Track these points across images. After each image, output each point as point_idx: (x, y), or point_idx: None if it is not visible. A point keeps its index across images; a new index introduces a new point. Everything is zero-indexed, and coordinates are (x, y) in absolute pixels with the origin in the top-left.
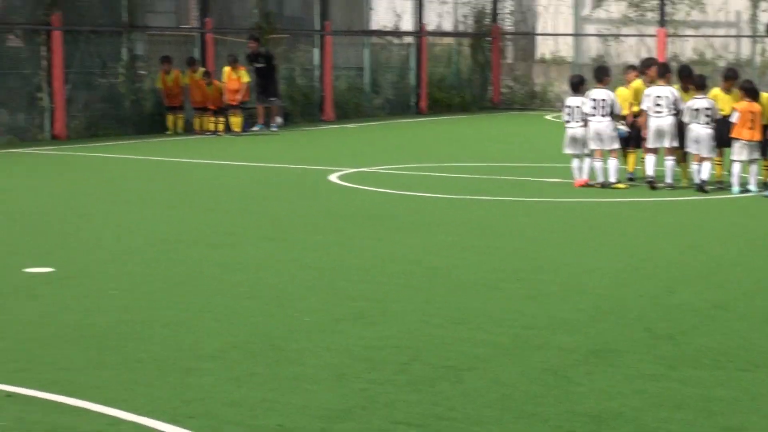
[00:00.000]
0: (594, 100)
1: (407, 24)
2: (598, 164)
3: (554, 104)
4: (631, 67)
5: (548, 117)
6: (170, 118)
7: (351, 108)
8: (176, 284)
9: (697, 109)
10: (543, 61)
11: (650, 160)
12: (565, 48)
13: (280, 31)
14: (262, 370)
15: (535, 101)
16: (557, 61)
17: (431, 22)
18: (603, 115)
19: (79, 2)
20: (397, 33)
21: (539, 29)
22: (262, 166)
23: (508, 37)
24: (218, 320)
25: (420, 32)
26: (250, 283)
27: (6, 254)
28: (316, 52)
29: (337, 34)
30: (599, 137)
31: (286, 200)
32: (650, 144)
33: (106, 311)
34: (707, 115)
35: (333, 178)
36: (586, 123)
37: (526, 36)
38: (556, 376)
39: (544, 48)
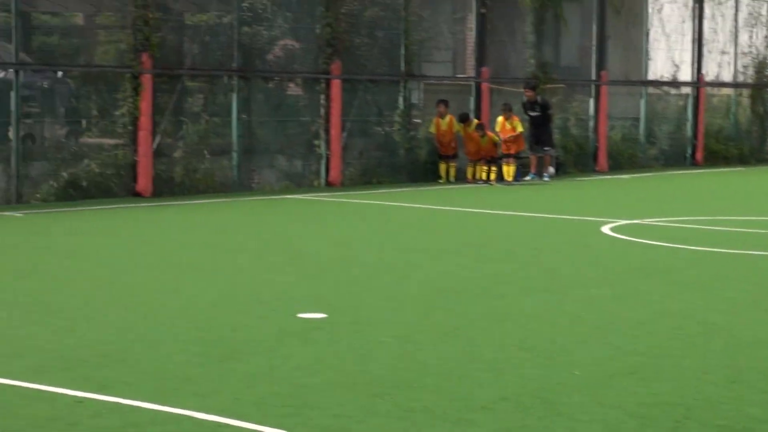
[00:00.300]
0: None
1: (685, 74)
2: None
3: None
4: None
5: None
6: (443, 167)
7: (625, 158)
8: (448, 333)
9: None
10: None
11: None
12: None
13: (556, 80)
14: (533, 424)
15: None
16: None
17: (710, 73)
18: None
19: (359, 51)
20: (674, 83)
21: None
22: (533, 216)
23: None
24: (489, 371)
25: (698, 83)
26: (521, 335)
27: (281, 298)
28: (591, 101)
29: (614, 84)
30: None
31: (559, 251)
32: None
33: (379, 359)
34: None
35: (606, 229)
36: None
37: None
38: None
39: None
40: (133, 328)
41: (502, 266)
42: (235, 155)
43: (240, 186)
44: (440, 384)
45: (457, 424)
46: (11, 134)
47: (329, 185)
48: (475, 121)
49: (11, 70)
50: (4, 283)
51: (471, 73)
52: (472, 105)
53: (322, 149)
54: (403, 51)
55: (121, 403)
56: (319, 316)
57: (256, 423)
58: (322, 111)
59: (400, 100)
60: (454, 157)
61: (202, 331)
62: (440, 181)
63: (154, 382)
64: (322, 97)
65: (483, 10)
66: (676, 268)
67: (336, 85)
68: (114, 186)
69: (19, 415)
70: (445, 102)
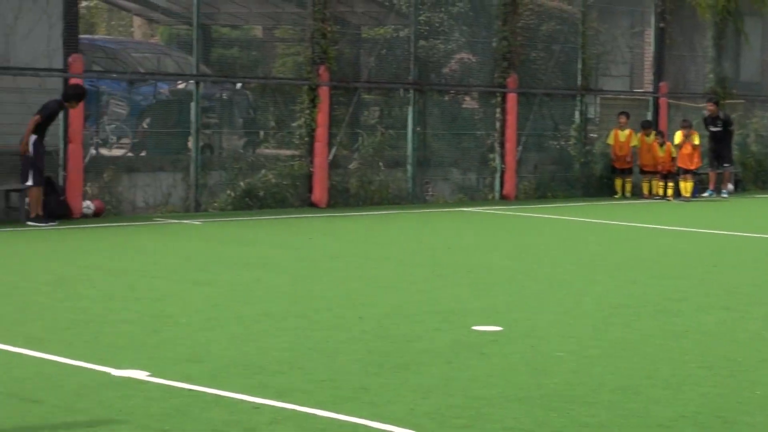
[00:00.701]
0: None
1: None
2: None
3: None
4: None
5: None
6: (618, 182)
7: None
8: (624, 349)
9: None
10: None
11: None
12: None
13: (736, 96)
14: None
15: None
16: None
17: None
18: None
19: (535, 65)
20: None
21: None
22: (711, 233)
23: None
24: (666, 388)
25: None
26: (700, 352)
27: (456, 311)
28: None
29: None
30: None
31: (738, 268)
32: None
33: (554, 373)
34: None
35: None
36: None
37: None
38: None
39: None
40: (309, 336)
41: (678, 282)
42: (409, 167)
43: (414, 198)
44: (616, 400)
45: None
46: (191, 144)
47: (503, 199)
48: (653, 131)
49: (192, 81)
50: (185, 290)
51: (648, 87)
52: (648, 118)
53: (497, 163)
54: (580, 65)
55: (297, 411)
56: (494, 329)
57: None
58: (497, 124)
59: (576, 114)
60: (630, 171)
61: (378, 342)
62: (616, 196)
63: (331, 391)
64: (498, 110)
65: (662, 25)
66: None
67: (512, 99)
68: (290, 196)
69: (197, 420)
70: (626, 114)
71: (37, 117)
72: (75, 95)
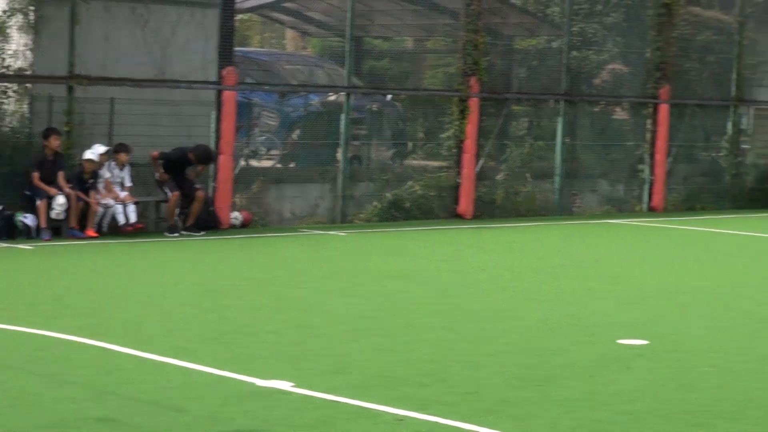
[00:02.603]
0: None
1: None
2: None
3: None
4: None
5: None
6: None
7: None
8: None
9: None
10: None
11: None
12: None
13: None
14: None
15: None
16: None
17: None
18: None
19: (688, 76)
20: None
21: None
22: None
23: None
24: None
25: None
26: None
27: (601, 324)
28: None
29: None
30: None
31: None
32: None
33: (700, 388)
34: None
35: None
36: None
37: None
38: None
39: None
40: (453, 348)
41: None
42: (557, 179)
43: (561, 209)
44: (763, 416)
45: None
46: (339, 155)
47: (651, 210)
48: None
49: (342, 93)
50: (330, 300)
51: None
52: None
53: (646, 174)
54: (734, 75)
55: (440, 423)
56: (639, 342)
57: None
58: (648, 135)
59: (729, 125)
60: None
61: (522, 355)
62: None
63: (473, 403)
64: (649, 121)
65: None
66: None
67: (663, 110)
68: (436, 207)
69: (341, 431)
70: None
71: (157, 153)
72: (206, 159)
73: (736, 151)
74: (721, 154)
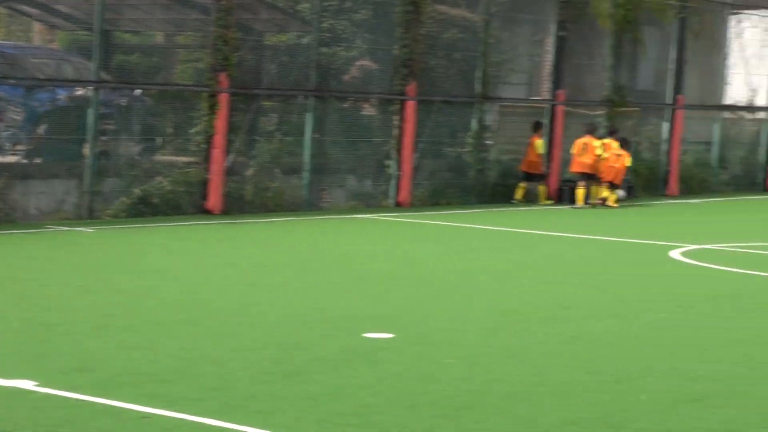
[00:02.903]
0: None
1: (762, 99)
2: None
3: None
4: None
5: None
6: (542, 189)
7: (696, 183)
8: (513, 356)
9: None
10: None
11: None
12: None
13: (632, 104)
14: None
15: None
16: None
17: None
18: None
19: (434, 73)
20: (751, 108)
21: None
22: (601, 240)
23: None
24: (554, 395)
25: None
26: (587, 359)
27: (347, 318)
28: (665, 125)
29: (690, 109)
30: None
31: (627, 275)
32: None
33: (443, 380)
34: None
35: (675, 254)
36: None
37: None
38: None
39: None
40: (199, 344)
41: (569, 289)
42: (306, 174)
43: (310, 205)
44: (504, 406)
45: None
46: (87, 151)
47: (398, 205)
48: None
49: (90, 87)
50: (75, 297)
51: (546, 95)
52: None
53: (393, 169)
54: (480, 73)
55: (186, 419)
56: (385, 336)
57: None
58: (395, 132)
59: (474, 122)
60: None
61: (268, 349)
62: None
63: (220, 399)
64: (396, 117)
65: (562, 33)
66: (746, 294)
67: (410, 106)
68: (184, 203)
69: (85, 430)
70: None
71: None
72: None
73: (480, 147)
74: (466, 150)
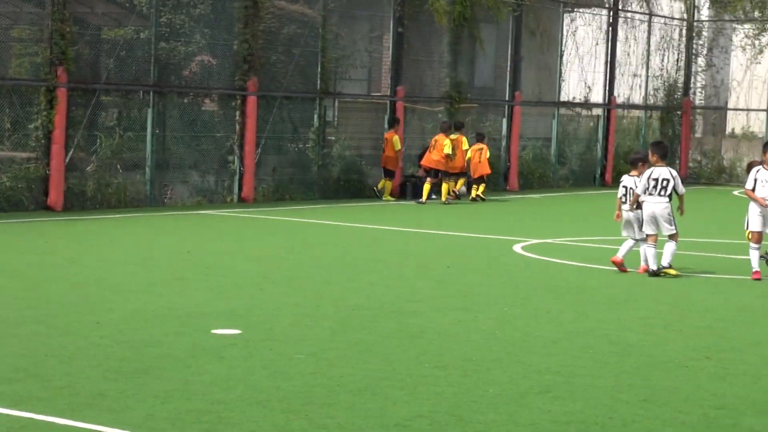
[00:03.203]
0: (656, 179)
1: (597, 96)
2: (651, 250)
3: (743, 179)
4: None
5: (736, 192)
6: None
7: (536, 178)
8: (362, 351)
9: None
10: (733, 136)
11: None
12: (757, 123)
13: (471, 100)
14: None
15: (723, 176)
16: (748, 137)
17: (621, 95)
18: (661, 195)
19: (275, 69)
20: (586, 105)
21: (731, 104)
22: (446, 235)
23: (698, 111)
24: (403, 389)
25: (609, 104)
26: (435, 352)
27: (195, 314)
28: (504, 122)
29: (527, 105)
30: (654, 221)
31: (472, 270)
32: None
33: (293, 376)
34: None
35: (517, 248)
36: (639, 206)
37: (717, 110)
38: None
39: (734, 123)
40: (45, 342)
41: (415, 284)
42: (148, 170)
43: (152, 201)
44: (354, 401)
45: None
46: None
47: (242, 201)
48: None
49: None
50: None
51: (386, 91)
52: (385, 123)
53: (236, 165)
54: (319, 69)
55: (34, 419)
56: (233, 332)
57: None
58: (237, 127)
59: (315, 117)
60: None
61: (117, 347)
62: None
63: (68, 398)
64: (237, 113)
65: (400, 29)
66: (588, 287)
67: (251, 102)
68: (25, 199)
69: None
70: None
71: None
72: None
73: (322, 143)
74: (308, 145)
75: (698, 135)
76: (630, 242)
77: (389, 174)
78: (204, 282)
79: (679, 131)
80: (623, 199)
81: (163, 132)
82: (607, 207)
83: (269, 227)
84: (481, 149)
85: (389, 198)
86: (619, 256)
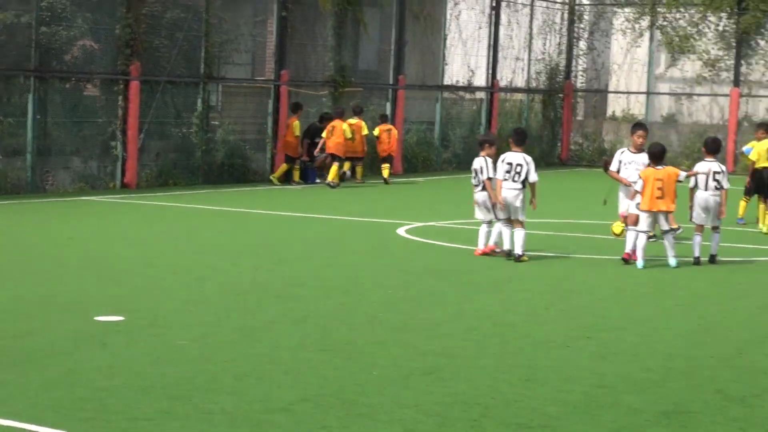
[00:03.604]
0: (509, 164)
1: (480, 79)
2: (506, 231)
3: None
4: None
5: None
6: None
7: (420, 162)
8: (246, 336)
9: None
10: (614, 118)
11: None
12: (637, 106)
13: (355, 84)
14: (333, 424)
15: (603, 158)
16: (628, 119)
17: (504, 78)
18: (515, 181)
19: (158, 53)
20: (469, 88)
21: (612, 87)
22: (330, 219)
23: (579, 94)
24: (288, 373)
25: (492, 88)
26: (319, 336)
27: (77, 301)
28: (389, 105)
29: (411, 89)
30: (506, 205)
31: (356, 253)
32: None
33: (177, 362)
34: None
35: (401, 231)
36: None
37: (598, 93)
38: None
39: (615, 106)
40: None
41: (300, 268)
42: (29, 156)
43: (34, 188)
44: (239, 386)
45: (257, 425)
46: None
47: (125, 187)
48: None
49: None
50: None
51: (270, 75)
52: (270, 108)
53: (119, 151)
54: (203, 53)
55: None
56: (116, 319)
57: (53, 427)
58: (120, 112)
59: (199, 102)
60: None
61: None
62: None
63: None
64: (120, 98)
65: (284, 13)
66: (471, 270)
67: (134, 87)
68: None
69: None
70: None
71: None
72: None
73: (206, 128)
74: (192, 130)
75: (580, 118)
76: (485, 228)
77: (290, 160)
78: (86, 269)
79: (561, 114)
80: (474, 182)
81: (45, 118)
82: None
83: (153, 213)
84: (390, 130)
85: (276, 180)
86: (481, 246)
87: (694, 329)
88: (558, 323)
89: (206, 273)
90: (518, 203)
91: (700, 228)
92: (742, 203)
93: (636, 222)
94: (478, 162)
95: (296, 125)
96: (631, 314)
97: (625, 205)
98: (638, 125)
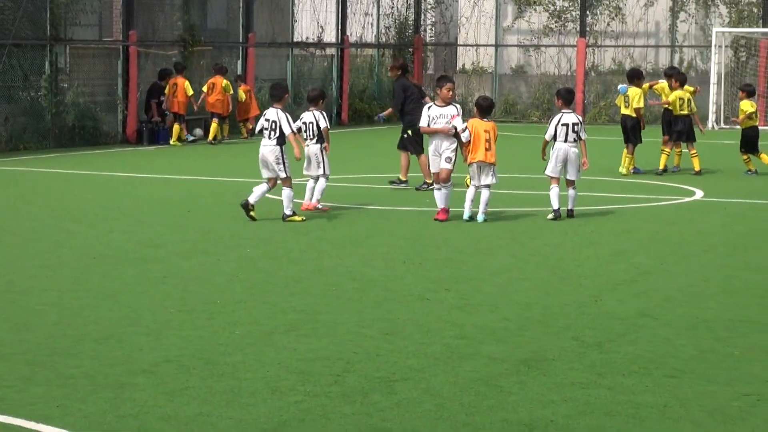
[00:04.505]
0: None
1: (330, 36)
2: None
3: (472, 115)
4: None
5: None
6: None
7: None
8: (105, 298)
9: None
10: (464, 71)
11: None
12: (486, 59)
13: (204, 43)
14: (196, 384)
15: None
16: (478, 72)
17: (354, 34)
18: (270, 138)
19: (2, 15)
20: (320, 45)
21: (461, 40)
22: (186, 179)
23: (429, 48)
24: (149, 335)
25: (342, 44)
26: (180, 297)
27: None
28: (239, 64)
29: (261, 46)
30: (265, 163)
31: (212, 213)
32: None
33: (36, 327)
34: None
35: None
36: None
37: (448, 47)
38: (488, 385)
39: (465, 59)
40: None
41: (157, 229)
42: None
43: None
44: (100, 349)
45: (120, 388)
46: None
47: None
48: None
49: None
50: None
51: (118, 36)
52: (119, 69)
53: None
54: (48, 14)
55: None
56: None
57: None
58: None
59: (47, 64)
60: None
61: None
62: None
63: None
64: None
65: None
66: (329, 226)
67: None
68: None
69: None
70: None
71: None
72: None
73: (55, 90)
74: (41, 93)
75: (430, 72)
76: (311, 182)
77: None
78: None
79: (412, 68)
80: (304, 135)
81: None
82: (345, 146)
83: (4, 178)
84: (249, 90)
85: (177, 143)
86: (308, 201)
87: (550, 278)
88: (416, 276)
89: (62, 237)
90: (274, 158)
91: (557, 180)
92: (664, 156)
93: (447, 179)
94: (309, 115)
95: (187, 85)
96: (488, 265)
97: (436, 165)
98: (445, 78)
